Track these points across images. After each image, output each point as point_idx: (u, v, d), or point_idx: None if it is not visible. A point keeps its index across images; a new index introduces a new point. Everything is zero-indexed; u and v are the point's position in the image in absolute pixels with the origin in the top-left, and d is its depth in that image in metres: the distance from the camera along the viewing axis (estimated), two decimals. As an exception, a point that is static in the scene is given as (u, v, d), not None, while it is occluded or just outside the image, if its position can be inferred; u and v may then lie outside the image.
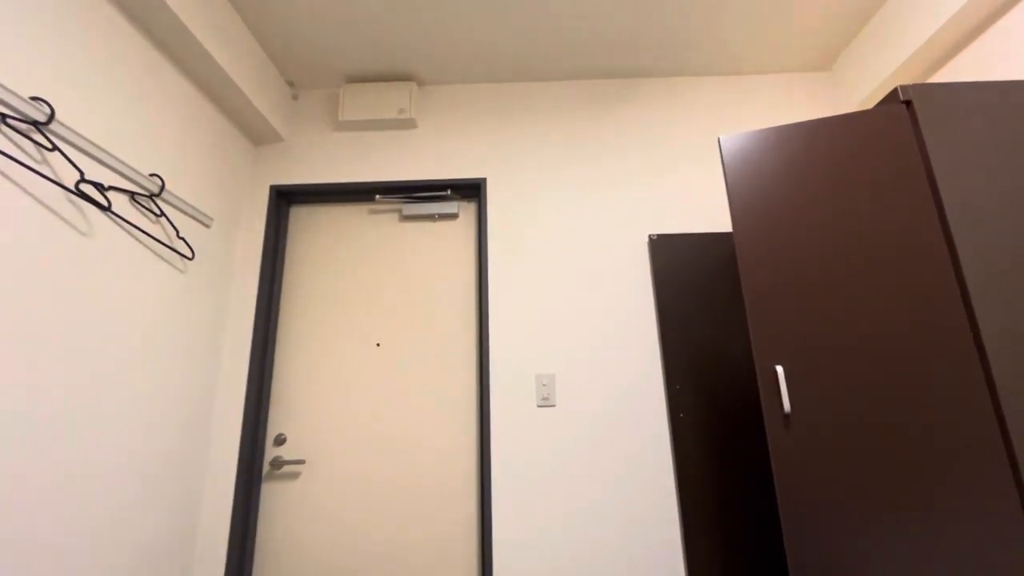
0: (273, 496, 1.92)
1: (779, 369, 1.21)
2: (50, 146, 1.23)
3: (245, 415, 1.91)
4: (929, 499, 1.07)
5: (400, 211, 2.23)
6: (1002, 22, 1.57)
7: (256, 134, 2.18)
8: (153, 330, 1.59)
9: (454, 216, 2.22)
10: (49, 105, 1.22)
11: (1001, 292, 1.13)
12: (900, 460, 1.11)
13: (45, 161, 1.23)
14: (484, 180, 2.17)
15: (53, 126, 1.24)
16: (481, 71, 2.25)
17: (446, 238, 2.19)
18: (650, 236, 2.04)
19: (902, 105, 1.29)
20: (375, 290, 2.13)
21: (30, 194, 1.19)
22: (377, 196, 2.20)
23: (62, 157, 1.27)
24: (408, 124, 2.24)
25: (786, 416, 1.19)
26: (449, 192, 2.19)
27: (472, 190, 2.21)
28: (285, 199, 2.24)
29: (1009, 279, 1.14)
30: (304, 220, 2.24)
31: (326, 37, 2.03)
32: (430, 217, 2.22)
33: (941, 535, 1.05)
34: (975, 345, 1.12)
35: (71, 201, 1.30)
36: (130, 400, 1.48)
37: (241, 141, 2.13)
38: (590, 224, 2.11)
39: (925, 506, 1.07)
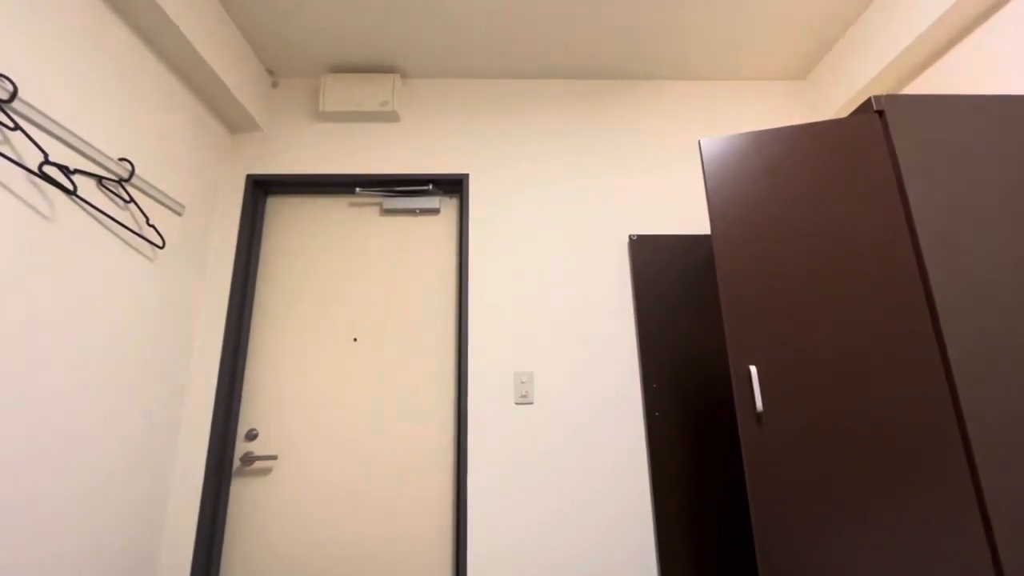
0: (243, 492, 1.88)
1: (752, 369, 1.23)
2: (12, 125, 1.18)
3: (216, 409, 1.86)
4: (892, 499, 1.11)
5: (381, 205, 2.20)
6: (973, 36, 1.63)
7: (233, 122, 2.12)
8: (119, 320, 1.53)
9: (435, 211, 2.20)
10: (12, 82, 1.16)
11: (965, 299, 1.17)
12: (866, 461, 1.14)
13: (7, 141, 1.18)
14: (467, 176, 2.16)
15: (16, 104, 1.18)
16: (466, 66, 2.24)
17: (427, 233, 2.17)
18: (630, 236, 2.05)
19: (875, 115, 1.33)
20: (353, 284, 2.10)
21: (-11, 175, 1.14)
22: (357, 189, 2.16)
23: (25, 137, 1.22)
24: (391, 117, 2.21)
25: (758, 415, 1.21)
26: (431, 187, 2.17)
27: (454, 185, 2.19)
28: (262, 189, 2.19)
29: (973, 286, 1.18)
30: (281, 211, 2.20)
31: (308, 24, 1.99)
32: (411, 212, 2.19)
33: (905, 534, 1.08)
34: (939, 351, 1.16)
35: (33, 183, 1.25)
36: (93, 393, 1.43)
37: (217, 128, 2.07)
38: (572, 223, 2.12)
39: (889, 506, 1.10)
